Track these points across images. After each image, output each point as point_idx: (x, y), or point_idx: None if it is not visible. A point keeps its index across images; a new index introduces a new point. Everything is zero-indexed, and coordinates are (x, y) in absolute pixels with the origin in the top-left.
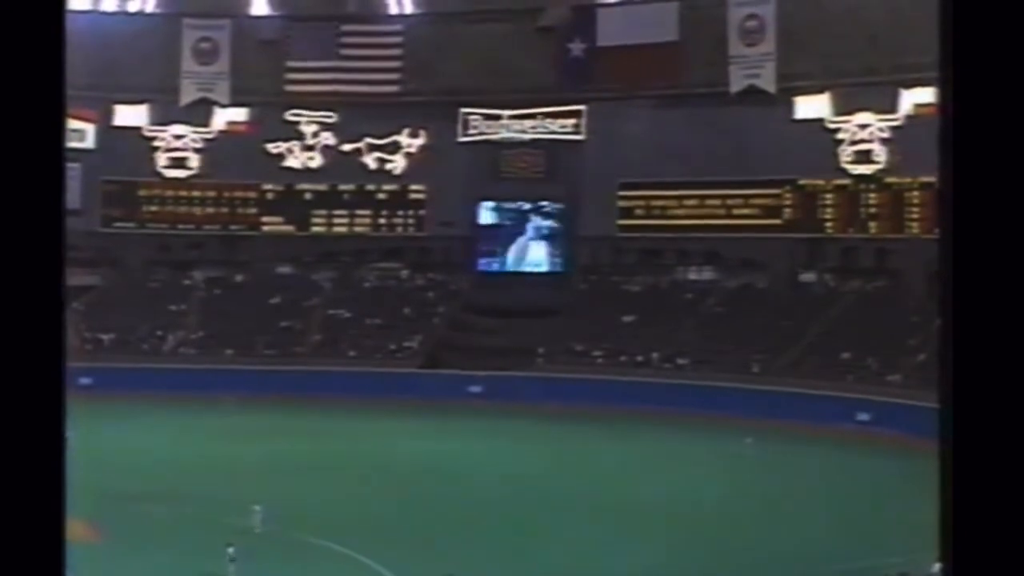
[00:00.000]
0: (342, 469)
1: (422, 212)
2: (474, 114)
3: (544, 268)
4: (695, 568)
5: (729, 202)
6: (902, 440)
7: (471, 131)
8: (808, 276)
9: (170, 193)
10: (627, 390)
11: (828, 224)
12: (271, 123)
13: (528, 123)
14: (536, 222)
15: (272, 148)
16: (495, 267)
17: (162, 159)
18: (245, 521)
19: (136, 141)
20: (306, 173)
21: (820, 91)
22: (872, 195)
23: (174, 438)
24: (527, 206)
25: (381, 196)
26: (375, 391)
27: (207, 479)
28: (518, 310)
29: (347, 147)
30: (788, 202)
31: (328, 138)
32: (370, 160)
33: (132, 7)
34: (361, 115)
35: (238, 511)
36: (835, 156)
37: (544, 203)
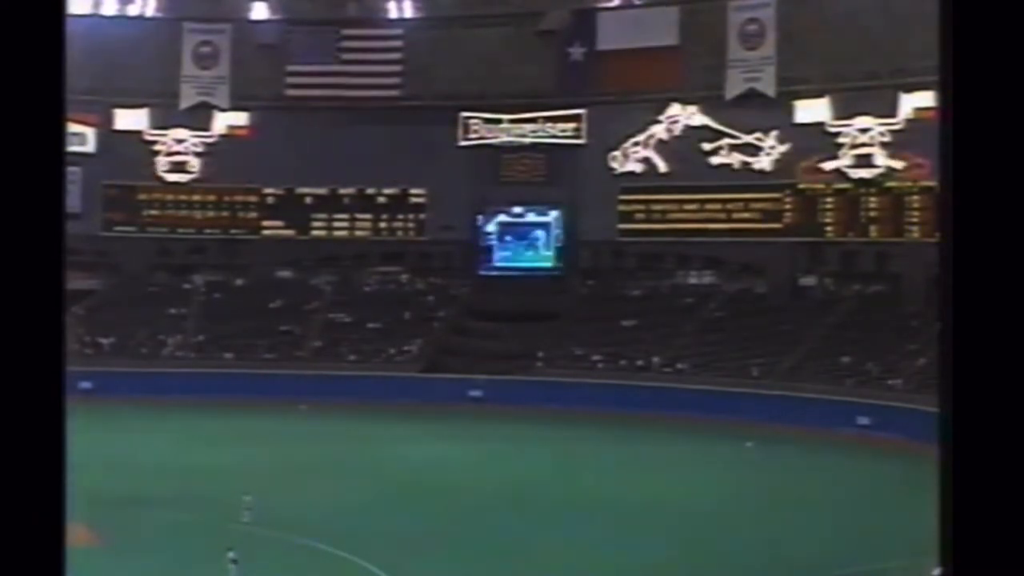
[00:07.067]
0: (342, 473)
1: (422, 216)
2: (474, 118)
3: (544, 272)
4: (695, 572)
5: (729, 206)
6: (902, 444)
7: (471, 135)
8: (808, 280)
9: (170, 197)
10: (627, 394)
11: (828, 228)
12: (271, 127)
13: (528, 127)
14: (536, 226)
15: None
16: (495, 271)
17: (162, 163)
18: (244, 523)
19: (136, 145)
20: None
21: (820, 95)
22: (872, 199)
23: (174, 442)
24: (527, 210)
25: (381, 200)
26: (375, 395)
27: (207, 483)
28: (518, 314)
29: None
30: (788, 206)
31: None
32: None
33: (132, 11)
34: (361, 119)
35: (238, 515)
36: (834, 160)
37: (544, 207)
